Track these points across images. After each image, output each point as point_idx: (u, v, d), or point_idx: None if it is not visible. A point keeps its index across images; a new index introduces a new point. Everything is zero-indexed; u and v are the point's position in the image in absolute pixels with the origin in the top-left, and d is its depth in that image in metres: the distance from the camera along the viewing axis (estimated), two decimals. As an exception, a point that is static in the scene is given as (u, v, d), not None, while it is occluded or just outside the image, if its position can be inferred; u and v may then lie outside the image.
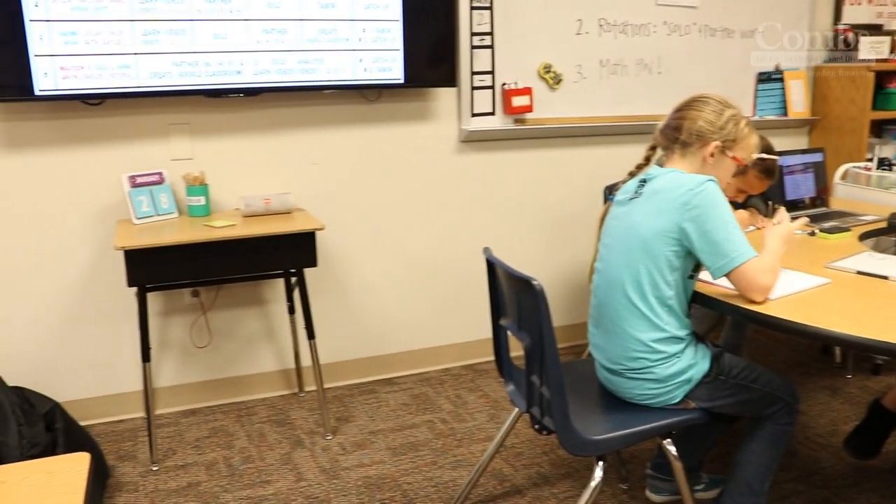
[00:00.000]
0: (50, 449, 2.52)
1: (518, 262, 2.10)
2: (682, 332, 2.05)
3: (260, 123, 3.26)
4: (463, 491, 2.59)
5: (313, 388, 3.47)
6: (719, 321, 3.14)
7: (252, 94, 3.13)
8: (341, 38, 3.17)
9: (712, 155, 2.07)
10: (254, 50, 3.06)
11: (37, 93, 2.83)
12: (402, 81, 3.31)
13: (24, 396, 2.64)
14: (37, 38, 2.80)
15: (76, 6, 2.81)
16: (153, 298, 3.25)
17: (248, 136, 3.26)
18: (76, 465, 1.83)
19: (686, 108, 2.12)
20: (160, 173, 3.10)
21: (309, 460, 2.93)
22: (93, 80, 2.89)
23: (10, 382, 2.58)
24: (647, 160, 2.23)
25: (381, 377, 3.67)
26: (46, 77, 2.83)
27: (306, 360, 3.47)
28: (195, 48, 2.98)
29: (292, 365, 3.51)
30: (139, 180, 3.04)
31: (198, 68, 3.01)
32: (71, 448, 2.54)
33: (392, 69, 3.28)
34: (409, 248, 3.62)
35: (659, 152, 2.20)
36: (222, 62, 3.03)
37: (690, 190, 1.95)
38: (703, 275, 2.09)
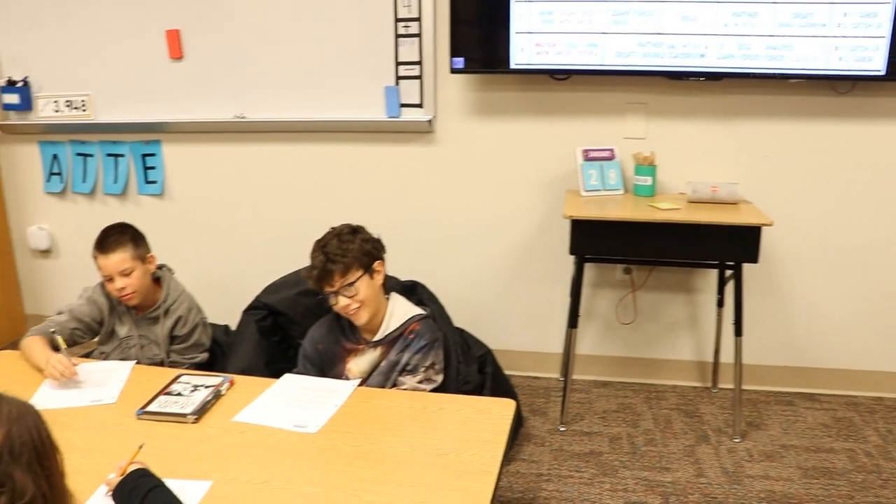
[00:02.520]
0: (478, 389, 2.77)
1: None
2: None
3: (715, 109, 3.18)
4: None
5: (728, 386, 3.35)
6: None
7: (713, 78, 3.07)
8: (817, 24, 2.94)
9: None
10: (720, 33, 2.98)
11: (512, 66, 3.13)
12: (882, 73, 2.97)
13: (464, 338, 2.94)
14: (518, 17, 3.06)
15: (555, -13, 3.02)
16: (587, 269, 3.37)
17: (702, 121, 3.20)
18: (503, 408, 2.01)
19: None
20: (612, 150, 3.20)
21: (712, 458, 2.86)
22: (562, 56, 3.08)
23: (455, 324, 2.89)
24: None
25: (802, 390, 3.41)
26: (522, 52, 3.09)
27: (725, 357, 3.35)
28: (661, 29, 3.01)
29: (710, 359, 3.43)
30: (591, 154, 3.18)
31: (661, 49, 3.03)
32: (496, 392, 2.77)
33: (872, 59, 2.96)
34: (859, 257, 3.27)
35: None
36: (686, 44, 3.01)
37: None
38: None
